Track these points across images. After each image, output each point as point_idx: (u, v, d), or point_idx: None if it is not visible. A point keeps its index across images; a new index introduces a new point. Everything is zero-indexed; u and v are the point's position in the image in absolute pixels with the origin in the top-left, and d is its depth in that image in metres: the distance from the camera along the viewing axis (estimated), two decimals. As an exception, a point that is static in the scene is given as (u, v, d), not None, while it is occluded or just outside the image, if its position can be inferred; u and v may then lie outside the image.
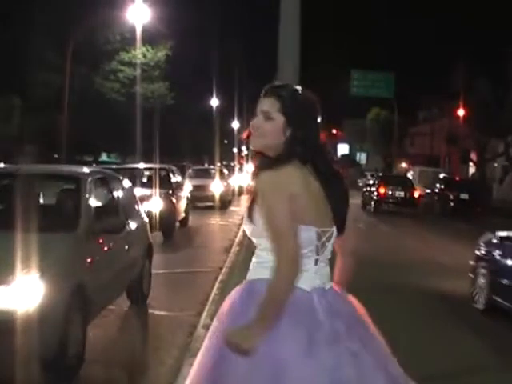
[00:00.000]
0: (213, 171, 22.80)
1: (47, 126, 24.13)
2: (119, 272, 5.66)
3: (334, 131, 68.15)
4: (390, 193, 23.40)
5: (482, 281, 7.26)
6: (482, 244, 7.57)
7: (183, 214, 14.42)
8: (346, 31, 65.15)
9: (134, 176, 12.70)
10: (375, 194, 23.92)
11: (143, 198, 10.81)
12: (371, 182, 26.32)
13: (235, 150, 51.42)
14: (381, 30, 64.81)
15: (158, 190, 12.51)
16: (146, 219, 7.17)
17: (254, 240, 2.17)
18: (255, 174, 2.14)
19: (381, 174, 29.19)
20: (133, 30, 22.63)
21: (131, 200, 6.81)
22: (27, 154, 24.74)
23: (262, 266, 2.12)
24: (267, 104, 2.22)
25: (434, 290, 8.38)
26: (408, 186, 24.18)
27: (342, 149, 71.32)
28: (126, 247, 5.89)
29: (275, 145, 2.17)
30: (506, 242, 6.93)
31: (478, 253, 7.53)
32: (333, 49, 54.96)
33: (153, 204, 12.12)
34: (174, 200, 12.94)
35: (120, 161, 31.08)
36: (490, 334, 6.27)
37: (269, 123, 2.20)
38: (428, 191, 26.50)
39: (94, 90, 25.90)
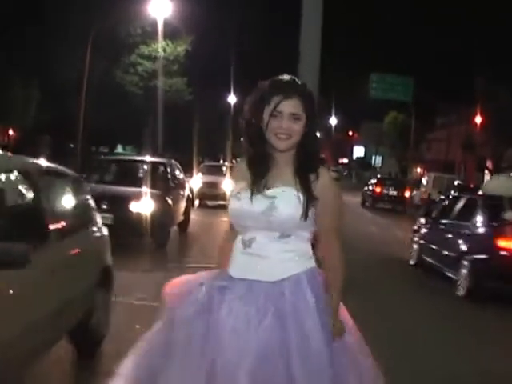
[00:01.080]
0: (225, 168, 21.36)
1: (64, 116, 24.07)
2: (42, 319, 3.49)
3: (351, 133, 67.77)
4: (386, 192, 27.22)
5: (414, 246, 11.22)
6: (417, 222, 11.69)
7: (182, 217, 12.09)
8: (367, 34, 64.84)
9: (124, 170, 11.47)
10: (372, 192, 27.86)
11: (131, 197, 9.80)
12: (370, 182, 29.90)
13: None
14: (401, 34, 64.41)
15: (150, 187, 10.25)
16: (105, 232, 5.11)
17: (293, 232, 2.23)
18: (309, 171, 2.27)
19: (379, 176, 32.30)
20: (154, 24, 22.57)
21: (81, 207, 4.79)
22: (42, 145, 24.62)
23: (305, 257, 2.27)
24: (294, 106, 2.26)
25: (384, 253, 12.58)
26: (401, 187, 28.06)
27: (358, 151, 70.80)
28: (61, 277, 3.78)
29: (296, 143, 2.29)
30: (430, 219, 11.05)
31: (414, 227, 11.69)
32: (353, 52, 55.46)
33: (142, 204, 9.84)
34: (170, 201, 10.70)
35: (135, 153, 30.48)
36: (416, 279, 10.17)
37: (297, 124, 2.27)
38: (442, 197, 27.31)
39: (114, 82, 25.75)
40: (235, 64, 37.75)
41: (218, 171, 20.23)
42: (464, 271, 8.64)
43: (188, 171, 18.54)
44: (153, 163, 11.82)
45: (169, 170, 11.84)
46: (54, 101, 24.30)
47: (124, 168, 11.84)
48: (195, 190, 18.13)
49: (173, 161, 12.69)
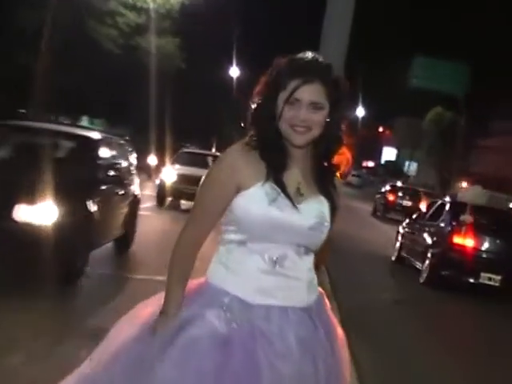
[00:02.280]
0: (211, 158, 19.77)
1: (19, 73, 23.64)
2: None
3: (381, 130, 67.21)
4: (399, 201, 30.36)
5: (396, 244, 15.61)
6: (402, 225, 16.08)
7: (119, 231, 9.69)
8: (412, 3, 62.63)
9: (19, 148, 8.95)
10: (384, 200, 31.00)
11: (18, 197, 6.98)
12: (382, 189, 32.97)
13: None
14: (457, 6, 61.05)
15: (57, 180, 7.26)
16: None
17: (315, 247, 2.42)
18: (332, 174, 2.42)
19: (394, 184, 34.80)
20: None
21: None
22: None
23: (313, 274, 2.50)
24: (315, 92, 2.29)
25: (372, 250, 16.70)
26: (416, 196, 30.33)
27: (388, 153, 69.66)
28: None
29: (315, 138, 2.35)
30: (411, 222, 15.45)
31: (399, 229, 16.00)
32: (392, 26, 55.34)
33: (38, 210, 6.99)
34: (94, 205, 7.95)
35: (105, 129, 30.16)
36: (396, 271, 14.45)
37: (318, 114, 2.31)
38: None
39: (84, 34, 24.63)
40: (241, 31, 38.13)
41: (201, 161, 18.44)
42: (427, 262, 12.73)
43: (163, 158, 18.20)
44: (70, 137, 9.07)
45: (99, 152, 8.92)
46: (5, 52, 23.83)
47: (20, 144, 9.15)
48: (167, 184, 17.80)
49: (115, 138, 10.34)
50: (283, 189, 2.31)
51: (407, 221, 15.80)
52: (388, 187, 32.67)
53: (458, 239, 12.36)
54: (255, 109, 2.38)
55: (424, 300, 11.44)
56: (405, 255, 14.88)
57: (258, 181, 2.31)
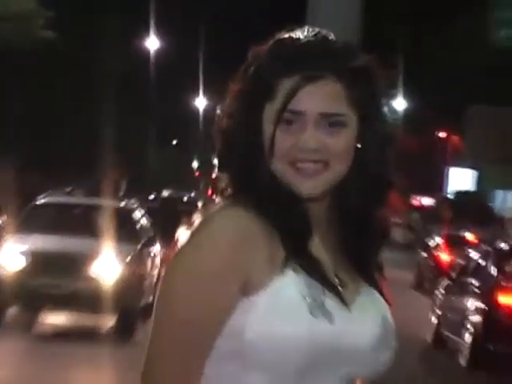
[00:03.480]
0: (105, 214, 17.54)
1: None
2: None
3: (443, 135, 60.36)
4: (465, 262, 20.65)
5: (433, 319, 16.25)
6: (438, 289, 16.88)
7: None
8: None
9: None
10: (435, 262, 25.78)
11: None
12: (430, 242, 28.50)
13: (194, 162, 56.39)
14: None
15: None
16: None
17: (375, 376, 2.24)
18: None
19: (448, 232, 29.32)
20: None
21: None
22: None
23: None
24: (328, 97, 2.04)
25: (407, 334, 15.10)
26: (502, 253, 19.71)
27: (459, 178, 60.68)
28: None
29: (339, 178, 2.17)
30: (450, 283, 16.44)
31: (434, 296, 16.87)
32: None
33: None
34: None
35: None
36: (434, 356, 15.79)
37: (338, 135, 2.05)
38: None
39: None
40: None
41: (79, 223, 17.63)
42: (467, 335, 14.02)
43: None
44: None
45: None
46: None
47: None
48: (5, 277, 16.02)
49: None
50: (324, 278, 2.04)
51: (446, 281, 15.97)
52: (438, 239, 28.02)
53: (505, 298, 12.83)
54: (224, 139, 2.13)
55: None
56: (445, 332, 14.90)
57: (277, 268, 2.02)
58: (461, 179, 61.45)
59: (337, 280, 2.06)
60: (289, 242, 2.01)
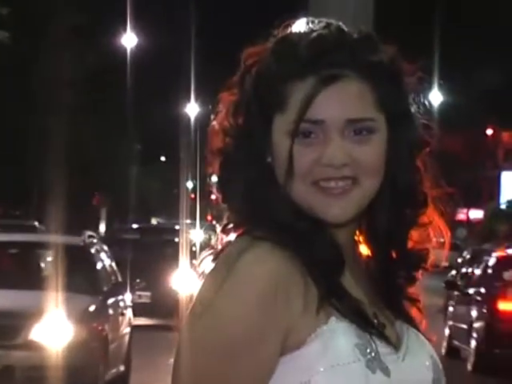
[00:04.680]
0: (51, 254, 15.91)
1: None
2: None
3: (491, 132, 60.24)
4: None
5: (446, 330, 20.12)
6: (450, 301, 21.94)
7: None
8: None
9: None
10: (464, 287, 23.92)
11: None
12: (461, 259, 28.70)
13: (189, 183, 55.20)
14: None
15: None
16: None
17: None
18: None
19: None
20: None
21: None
22: None
23: None
24: (351, 99, 2.04)
25: None
26: None
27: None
28: None
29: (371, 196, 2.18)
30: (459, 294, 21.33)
31: (447, 307, 22.92)
32: None
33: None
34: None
35: None
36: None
37: (367, 144, 2.05)
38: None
39: None
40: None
41: (21, 271, 16.26)
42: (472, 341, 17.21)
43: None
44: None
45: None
46: None
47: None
48: None
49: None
50: (369, 323, 2.05)
51: (456, 293, 19.78)
52: (468, 255, 28.09)
53: (505, 304, 16.06)
54: (224, 160, 2.13)
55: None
56: (456, 343, 17.91)
57: (318, 317, 2.00)
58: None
59: (376, 321, 2.05)
60: (319, 277, 1.99)
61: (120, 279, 16.11)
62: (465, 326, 17.28)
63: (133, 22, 47.61)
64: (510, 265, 18.11)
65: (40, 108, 36.52)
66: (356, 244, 2.16)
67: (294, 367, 1.93)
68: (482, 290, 17.56)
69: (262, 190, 2.06)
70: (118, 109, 43.87)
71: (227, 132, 2.10)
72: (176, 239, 28.07)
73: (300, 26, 2.08)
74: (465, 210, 64.16)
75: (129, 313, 15.72)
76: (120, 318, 14.80)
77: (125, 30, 47.10)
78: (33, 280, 14.02)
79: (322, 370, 1.93)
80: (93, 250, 15.36)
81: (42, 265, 15.22)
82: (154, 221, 46.43)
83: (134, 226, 36.20)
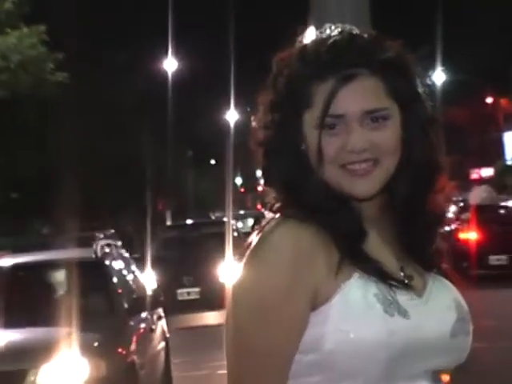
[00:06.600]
0: (56, 275, 11.87)
1: None
2: None
3: (490, 100, 59.03)
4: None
5: None
6: None
7: None
8: None
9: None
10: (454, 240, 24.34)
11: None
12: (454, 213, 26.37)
13: (238, 179, 56.88)
14: None
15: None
16: None
17: (456, 364, 2.25)
18: None
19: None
20: None
21: None
22: None
23: None
24: (367, 93, 2.09)
25: None
26: None
27: None
28: None
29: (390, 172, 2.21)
30: None
31: None
32: None
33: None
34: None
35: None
36: None
37: (383, 129, 2.10)
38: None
39: None
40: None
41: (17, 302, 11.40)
42: None
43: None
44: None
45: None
46: None
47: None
48: None
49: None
50: (387, 275, 2.07)
51: None
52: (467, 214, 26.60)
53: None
54: (265, 151, 2.18)
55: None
56: None
57: (342, 275, 2.04)
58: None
59: (402, 274, 2.10)
60: (343, 244, 2.04)
61: (147, 290, 11.64)
62: None
63: (173, 45, 47.30)
64: None
65: (112, 133, 36.47)
66: (386, 212, 2.17)
67: (323, 320, 1.98)
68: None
69: (297, 174, 2.10)
70: (170, 125, 43.95)
71: (266, 127, 2.15)
72: (222, 231, 24.50)
73: (320, 32, 2.15)
74: (477, 170, 63.94)
75: (161, 325, 11.74)
76: (149, 336, 10.93)
77: (166, 54, 46.79)
78: (34, 312, 9.88)
79: (344, 319, 1.98)
80: (107, 262, 10.99)
81: (44, 291, 10.79)
82: (212, 216, 46.66)
83: (188, 221, 34.81)
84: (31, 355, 8.91)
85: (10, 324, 9.68)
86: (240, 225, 42.68)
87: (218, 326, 11.59)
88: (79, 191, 28.40)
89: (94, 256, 10.76)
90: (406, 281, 2.11)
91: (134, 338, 9.97)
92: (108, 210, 36.60)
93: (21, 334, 9.59)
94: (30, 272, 11.10)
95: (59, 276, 10.96)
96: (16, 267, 10.84)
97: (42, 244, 15.12)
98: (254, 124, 2.24)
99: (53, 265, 11.07)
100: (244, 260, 2.06)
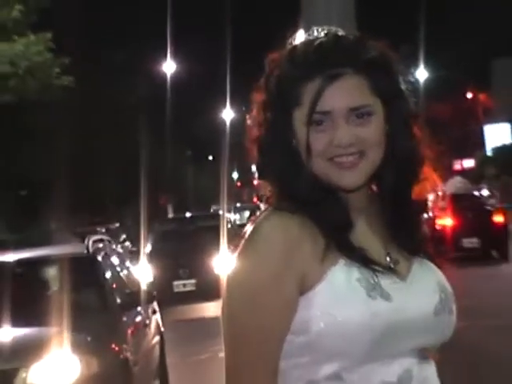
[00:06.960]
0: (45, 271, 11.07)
1: None
2: None
3: (470, 95, 58.45)
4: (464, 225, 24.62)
5: None
6: None
7: None
8: None
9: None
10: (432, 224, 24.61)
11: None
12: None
13: (234, 174, 53.60)
14: None
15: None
16: None
17: (443, 341, 2.21)
18: None
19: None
20: None
21: None
22: None
23: None
24: (352, 90, 2.07)
25: None
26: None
27: (496, 134, 58.55)
28: None
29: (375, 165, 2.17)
30: None
31: None
32: None
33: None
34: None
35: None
36: None
37: (368, 125, 2.08)
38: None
39: None
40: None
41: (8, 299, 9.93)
42: None
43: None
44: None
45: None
46: None
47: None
48: None
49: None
50: (370, 261, 2.04)
51: None
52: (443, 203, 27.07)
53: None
54: (258, 147, 2.15)
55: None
56: None
57: (329, 262, 2.02)
58: (497, 134, 59.43)
59: (388, 259, 2.09)
60: (329, 233, 2.03)
61: (141, 285, 11.03)
62: None
63: (172, 48, 46.26)
64: None
65: (116, 132, 36.19)
66: (373, 202, 2.17)
67: (311, 304, 1.98)
68: None
69: (288, 168, 2.09)
70: (169, 124, 43.39)
71: (260, 124, 2.15)
72: (216, 224, 23.23)
73: (307, 35, 2.15)
74: (459, 161, 63.48)
75: (156, 319, 11.02)
76: (143, 331, 10.21)
77: (164, 55, 46.12)
78: (24, 309, 9.04)
79: (330, 302, 1.99)
80: (99, 257, 10.27)
81: (35, 287, 10.10)
82: (211, 209, 45.97)
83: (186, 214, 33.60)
84: (22, 353, 8.15)
85: (-1, 322, 9.22)
86: (237, 217, 42.23)
87: (214, 317, 12.20)
88: (84, 189, 28.34)
89: (85, 252, 10.04)
90: (392, 265, 2.10)
91: (128, 334, 9.25)
92: (113, 206, 36.30)
93: (11, 331, 8.71)
94: (19, 269, 10.09)
95: (50, 272, 10.16)
96: (4, 264, 9.89)
97: (31, 240, 12.60)
98: (248, 122, 2.23)
99: (43, 261, 10.24)
100: (238, 250, 2.04)
